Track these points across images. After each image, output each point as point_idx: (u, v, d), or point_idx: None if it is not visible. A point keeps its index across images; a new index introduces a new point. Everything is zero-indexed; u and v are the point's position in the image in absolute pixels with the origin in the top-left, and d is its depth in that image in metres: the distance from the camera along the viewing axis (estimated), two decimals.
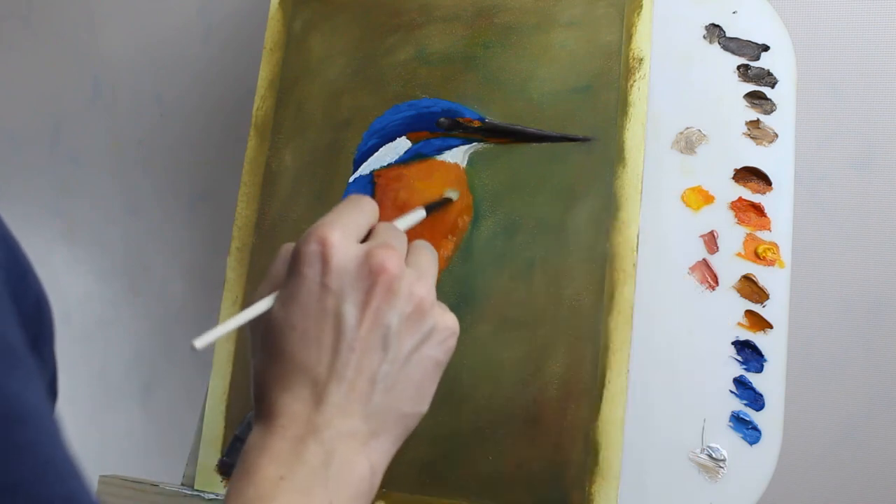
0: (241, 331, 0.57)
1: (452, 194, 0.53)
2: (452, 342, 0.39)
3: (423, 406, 0.39)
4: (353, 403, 0.36)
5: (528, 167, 0.52)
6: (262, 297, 0.38)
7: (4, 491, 0.24)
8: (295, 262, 0.37)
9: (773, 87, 0.51)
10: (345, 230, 0.37)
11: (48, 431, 0.26)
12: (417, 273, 0.38)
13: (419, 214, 0.48)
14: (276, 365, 0.37)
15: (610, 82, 0.52)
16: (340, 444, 0.35)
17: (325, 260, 0.36)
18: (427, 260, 0.40)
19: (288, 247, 0.39)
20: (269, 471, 0.34)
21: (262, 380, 0.37)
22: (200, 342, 0.35)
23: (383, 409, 0.37)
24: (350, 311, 0.36)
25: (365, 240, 0.39)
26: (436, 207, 0.51)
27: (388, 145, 0.56)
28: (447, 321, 0.39)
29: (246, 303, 0.38)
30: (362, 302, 0.36)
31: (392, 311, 0.36)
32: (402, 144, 0.55)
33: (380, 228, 0.40)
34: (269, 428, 0.36)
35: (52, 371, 0.34)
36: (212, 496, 0.54)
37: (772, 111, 0.51)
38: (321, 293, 0.36)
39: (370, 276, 0.36)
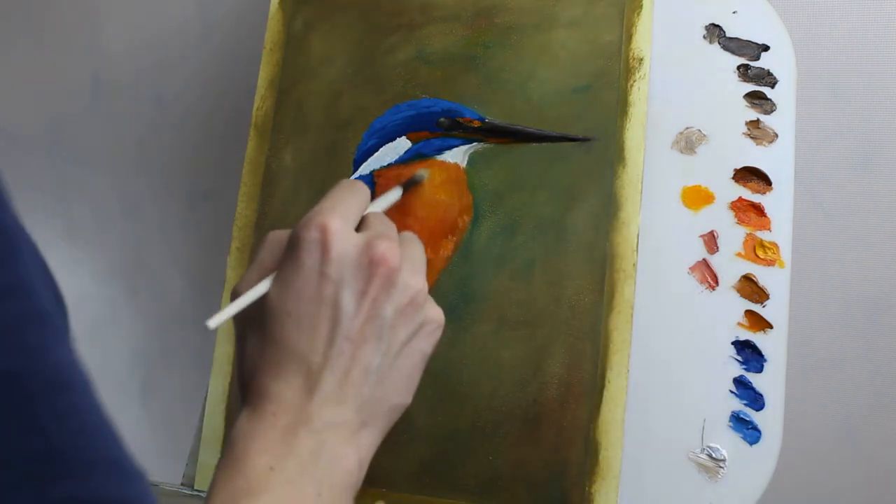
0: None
1: (423, 172, 0.53)
2: (439, 334, 0.39)
3: (409, 398, 0.39)
4: (346, 394, 0.36)
5: (528, 167, 0.52)
6: (251, 283, 0.38)
7: (52, 457, 0.24)
8: (293, 248, 0.36)
9: (773, 87, 0.51)
10: (344, 218, 0.37)
11: (92, 399, 0.27)
12: (412, 266, 0.38)
13: (395, 194, 0.47)
14: (269, 351, 0.36)
15: (610, 82, 0.52)
16: (331, 434, 0.35)
17: (325, 248, 0.36)
18: (419, 253, 0.40)
19: (277, 234, 0.39)
20: (260, 461, 0.34)
21: (253, 365, 0.37)
22: (214, 322, 0.35)
23: (374, 401, 0.37)
24: (348, 301, 0.36)
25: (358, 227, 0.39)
26: (410, 185, 0.51)
27: (388, 145, 0.56)
28: (436, 314, 0.39)
29: (233, 291, 0.39)
30: (361, 292, 0.36)
31: (389, 303, 0.36)
32: (402, 144, 0.55)
33: (372, 218, 0.40)
34: (259, 414, 0.35)
35: None
36: None
37: (772, 111, 0.51)
38: (320, 281, 0.36)
39: (370, 267, 0.36)
